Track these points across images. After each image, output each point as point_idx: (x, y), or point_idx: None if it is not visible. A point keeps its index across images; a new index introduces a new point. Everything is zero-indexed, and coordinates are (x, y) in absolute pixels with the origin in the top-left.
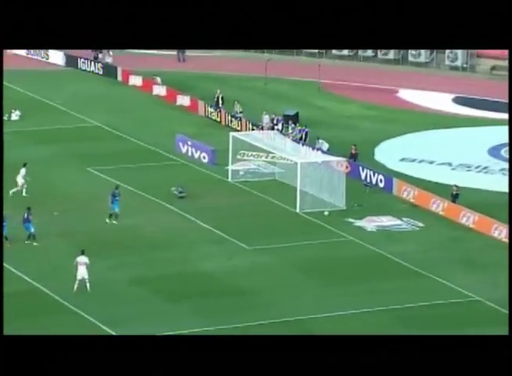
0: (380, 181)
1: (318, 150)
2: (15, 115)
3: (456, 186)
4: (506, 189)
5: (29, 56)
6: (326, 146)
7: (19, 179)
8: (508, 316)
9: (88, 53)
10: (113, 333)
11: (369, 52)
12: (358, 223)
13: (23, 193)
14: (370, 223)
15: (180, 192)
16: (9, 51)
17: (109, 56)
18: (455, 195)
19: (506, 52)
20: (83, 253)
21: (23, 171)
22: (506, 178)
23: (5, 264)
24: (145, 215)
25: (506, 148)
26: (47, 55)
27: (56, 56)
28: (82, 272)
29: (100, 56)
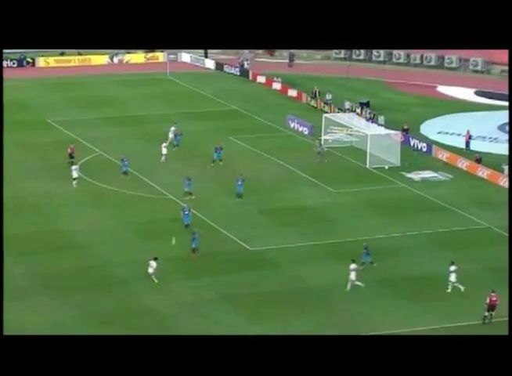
0: (424, 147)
1: (380, 125)
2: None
3: (478, 153)
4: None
5: (192, 62)
6: (382, 121)
7: (170, 135)
8: (508, 315)
9: (233, 61)
10: (248, 247)
11: (418, 60)
12: (408, 175)
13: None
14: (416, 175)
15: (321, 148)
16: (179, 60)
17: (247, 64)
18: (479, 159)
19: None
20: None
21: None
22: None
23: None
24: (264, 168)
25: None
26: (204, 62)
27: (209, 63)
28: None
29: (243, 63)
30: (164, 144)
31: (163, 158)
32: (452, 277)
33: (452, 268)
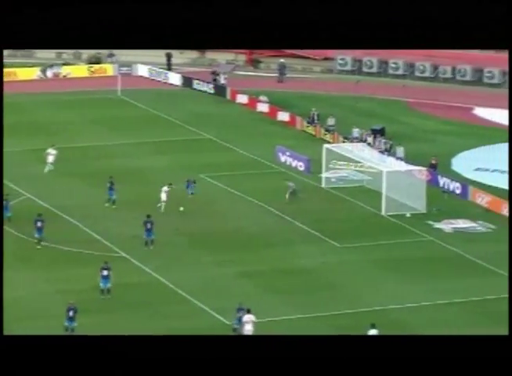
0: (457, 188)
1: (398, 159)
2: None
3: None
4: None
5: (151, 77)
6: (402, 153)
7: (163, 195)
8: (508, 315)
9: (205, 75)
10: (224, 320)
11: (448, 74)
12: (437, 225)
13: (162, 209)
14: (448, 225)
15: (292, 188)
16: (134, 73)
17: (223, 79)
18: None
19: None
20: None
21: (165, 188)
22: None
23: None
24: (247, 216)
25: None
26: (167, 77)
27: (174, 78)
28: None
29: (217, 77)
30: (165, 188)
31: (160, 205)
32: None
33: (371, 333)
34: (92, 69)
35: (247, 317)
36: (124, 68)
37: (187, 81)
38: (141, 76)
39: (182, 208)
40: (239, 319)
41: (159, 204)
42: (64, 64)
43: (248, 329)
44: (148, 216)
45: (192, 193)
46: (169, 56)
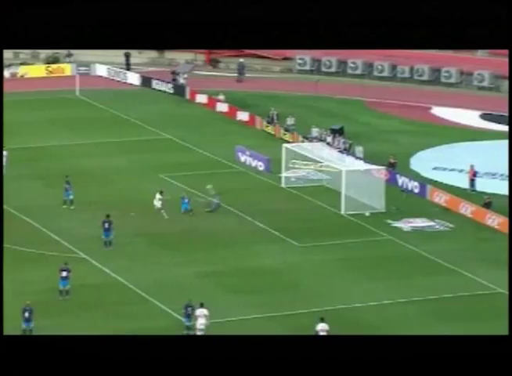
0: (415, 187)
1: (357, 158)
2: None
3: (486, 195)
4: None
5: (110, 76)
6: (361, 152)
7: (157, 203)
8: (508, 316)
9: (165, 75)
10: (184, 320)
11: (406, 74)
12: (396, 224)
13: (165, 216)
14: (406, 224)
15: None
16: (93, 73)
17: (183, 79)
18: (488, 203)
19: None
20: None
21: (158, 195)
22: None
23: (91, 260)
24: (209, 217)
25: None
26: (125, 77)
27: (133, 77)
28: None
29: (177, 77)
30: (159, 196)
31: (162, 213)
32: None
33: (320, 326)
34: (50, 69)
35: (200, 311)
36: (83, 68)
37: (146, 81)
38: (99, 76)
39: (166, 217)
40: (188, 316)
41: (162, 211)
42: (22, 64)
43: (201, 323)
44: (107, 216)
45: (191, 210)
46: (128, 56)
